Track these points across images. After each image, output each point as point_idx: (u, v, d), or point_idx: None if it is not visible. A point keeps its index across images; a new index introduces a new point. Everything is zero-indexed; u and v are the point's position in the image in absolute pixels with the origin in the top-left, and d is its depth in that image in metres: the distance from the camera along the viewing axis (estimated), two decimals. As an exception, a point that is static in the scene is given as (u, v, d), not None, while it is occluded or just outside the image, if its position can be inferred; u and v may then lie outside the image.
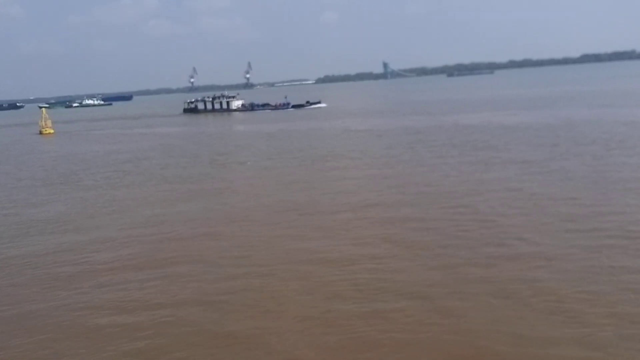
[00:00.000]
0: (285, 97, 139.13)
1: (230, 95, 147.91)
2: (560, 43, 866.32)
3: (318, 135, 68.68)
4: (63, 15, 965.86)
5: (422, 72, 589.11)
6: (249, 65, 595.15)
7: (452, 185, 32.47)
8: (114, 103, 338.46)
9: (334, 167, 42.90)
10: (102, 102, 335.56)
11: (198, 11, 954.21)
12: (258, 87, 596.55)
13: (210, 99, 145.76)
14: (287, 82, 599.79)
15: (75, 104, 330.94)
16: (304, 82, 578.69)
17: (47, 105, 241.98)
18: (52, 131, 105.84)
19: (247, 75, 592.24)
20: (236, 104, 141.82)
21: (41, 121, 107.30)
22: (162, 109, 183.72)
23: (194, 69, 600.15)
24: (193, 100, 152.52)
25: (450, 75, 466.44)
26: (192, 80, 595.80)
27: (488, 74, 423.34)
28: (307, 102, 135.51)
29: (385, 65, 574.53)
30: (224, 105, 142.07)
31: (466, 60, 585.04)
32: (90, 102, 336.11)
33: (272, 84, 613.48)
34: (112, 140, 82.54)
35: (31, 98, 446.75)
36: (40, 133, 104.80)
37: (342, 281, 18.87)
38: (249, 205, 31.43)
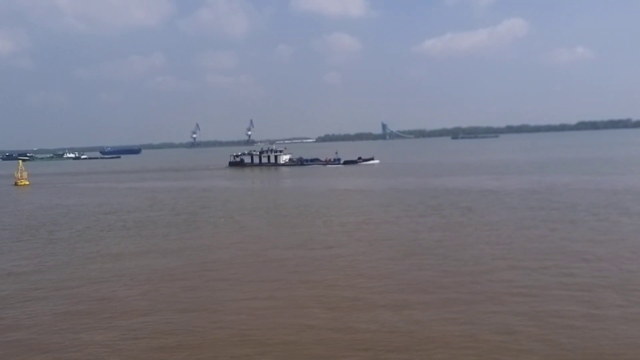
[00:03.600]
0: (336, 153, 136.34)
1: (278, 149, 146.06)
2: (558, 110, 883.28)
3: (338, 194, 64.86)
4: (70, 68, 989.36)
5: (421, 134, 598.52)
6: (251, 122, 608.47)
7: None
8: (122, 156, 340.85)
9: (311, 224, 42.54)
10: (77, 156, 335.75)
11: (204, 69, 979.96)
12: (259, 144, 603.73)
13: (258, 153, 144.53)
14: (288, 139, 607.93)
15: (84, 156, 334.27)
16: (304, 140, 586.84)
17: (27, 157, 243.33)
18: (27, 182, 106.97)
19: (249, 132, 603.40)
20: (284, 158, 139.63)
21: (17, 172, 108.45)
22: (208, 161, 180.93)
23: (197, 125, 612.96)
24: (239, 153, 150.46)
25: (455, 137, 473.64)
26: (194, 135, 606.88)
27: (493, 137, 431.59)
28: (359, 158, 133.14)
29: (383, 126, 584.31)
30: (272, 160, 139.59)
31: (464, 124, 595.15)
32: (71, 155, 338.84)
33: (273, 141, 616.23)
34: (92, 194, 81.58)
35: (34, 149, 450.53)
36: (16, 184, 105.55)
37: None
38: (197, 265, 30.58)
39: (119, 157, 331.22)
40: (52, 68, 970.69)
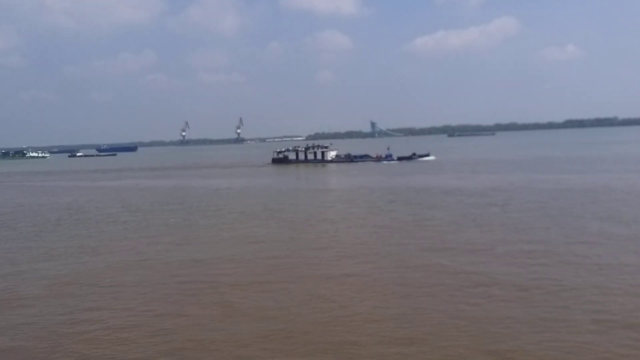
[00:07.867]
0: (388, 149, 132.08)
1: (324, 145, 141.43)
2: (546, 108, 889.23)
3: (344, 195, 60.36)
4: (60, 65, 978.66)
5: (410, 132, 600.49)
6: (241, 120, 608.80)
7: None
8: (118, 154, 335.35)
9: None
10: (46, 155, 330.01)
11: (195, 66, 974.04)
12: (249, 142, 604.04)
13: (303, 149, 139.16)
14: (278, 137, 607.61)
15: (79, 154, 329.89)
16: (295, 139, 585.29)
17: None
18: None
19: (238, 131, 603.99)
20: (331, 154, 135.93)
21: None
22: (249, 158, 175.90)
23: (186, 123, 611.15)
24: (283, 149, 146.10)
25: (451, 135, 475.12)
26: (183, 133, 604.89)
27: (490, 135, 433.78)
28: (414, 154, 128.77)
29: (372, 124, 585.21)
30: (319, 156, 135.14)
31: (453, 122, 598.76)
32: (34, 154, 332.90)
33: (263, 140, 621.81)
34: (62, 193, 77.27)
35: (23, 146, 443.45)
36: None
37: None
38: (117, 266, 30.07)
39: (115, 154, 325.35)
40: (42, 65, 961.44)
